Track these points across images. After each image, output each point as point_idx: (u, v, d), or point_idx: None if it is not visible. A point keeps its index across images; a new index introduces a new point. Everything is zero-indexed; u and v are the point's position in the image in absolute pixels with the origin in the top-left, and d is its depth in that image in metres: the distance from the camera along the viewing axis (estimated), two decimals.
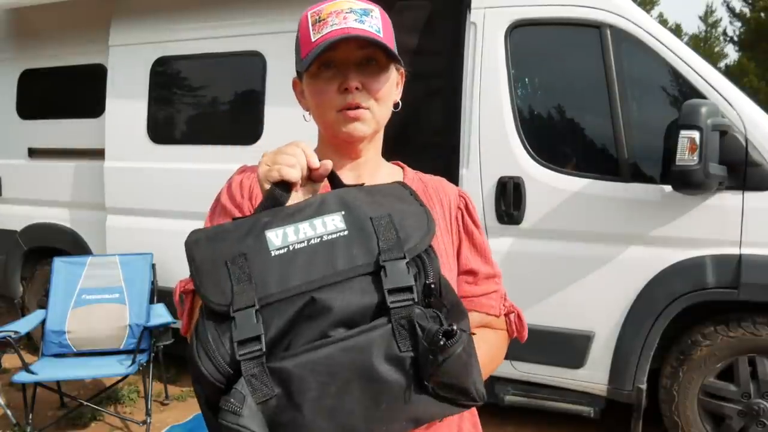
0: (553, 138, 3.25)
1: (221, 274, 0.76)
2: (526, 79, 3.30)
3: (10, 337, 3.17)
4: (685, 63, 2.87)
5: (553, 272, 3.03)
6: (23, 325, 3.41)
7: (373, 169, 1.07)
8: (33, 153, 4.55)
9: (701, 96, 2.78)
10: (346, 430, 0.74)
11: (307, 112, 1.05)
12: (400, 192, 0.89)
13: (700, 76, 2.85)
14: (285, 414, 0.72)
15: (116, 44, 4.08)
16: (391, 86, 1.02)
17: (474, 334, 0.82)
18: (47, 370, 3.31)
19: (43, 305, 3.71)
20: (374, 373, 0.73)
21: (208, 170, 3.54)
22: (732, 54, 20.48)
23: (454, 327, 0.74)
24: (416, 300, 0.76)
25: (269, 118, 3.61)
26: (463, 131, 3.18)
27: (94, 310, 3.62)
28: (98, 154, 4.13)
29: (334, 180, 0.90)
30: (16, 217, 4.55)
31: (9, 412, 3.39)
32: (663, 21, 20.27)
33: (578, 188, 2.97)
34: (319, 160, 0.91)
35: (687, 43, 4.23)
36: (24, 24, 4.61)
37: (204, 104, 4.04)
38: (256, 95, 3.68)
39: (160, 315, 3.50)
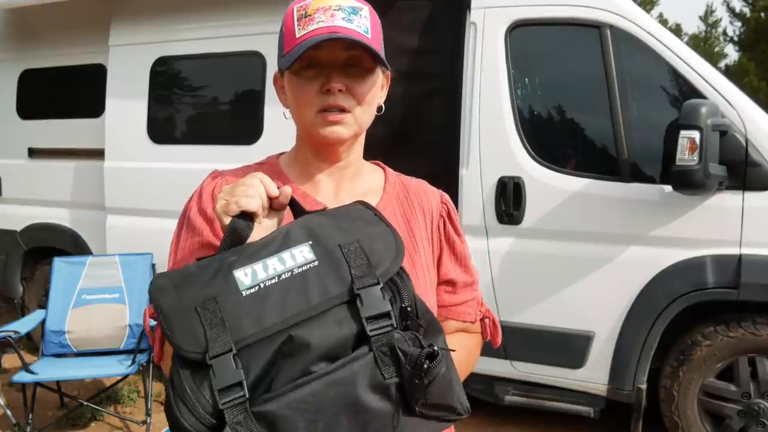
0: (553, 138, 3.24)
1: (192, 321, 0.74)
2: (526, 79, 3.30)
3: (10, 337, 3.17)
4: (685, 63, 2.87)
5: (553, 272, 3.03)
6: (23, 325, 3.42)
7: (354, 173, 1.04)
8: (33, 153, 4.55)
9: (701, 96, 2.78)
10: None
11: (287, 110, 1.01)
12: (364, 214, 0.86)
13: (700, 76, 2.85)
14: None
15: (116, 44, 4.08)
16: (376, 90, 0.98)
17: (453, 350, 0.80)
18: (47, 370, 3.30)
19: (43, 305, 3.70)
20: (361, 403, 0.72)
21: (208, 170, 3.52)
22: (732, 54, 20.50)
23: (435, 348, 0.73)
24: (395, 325, 0.75)
25: (269, 118, 3.60)
26: (463, 131, 3.17)
27: (94, 310, 3.61)
28: (98, 154, 4.13)
29: (295, 207, 0.87)
30: (16, 217, 4.55)
31: (9, 412, 3.39)
32: (663, 21, 20.26)
33: (578, 188, 2.97)
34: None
35: (687, 43, 4.22)
36: (24, 24, 4.60)
37: (204, 104, 4.04)
38: (256, 95, 3.68)
39: None
